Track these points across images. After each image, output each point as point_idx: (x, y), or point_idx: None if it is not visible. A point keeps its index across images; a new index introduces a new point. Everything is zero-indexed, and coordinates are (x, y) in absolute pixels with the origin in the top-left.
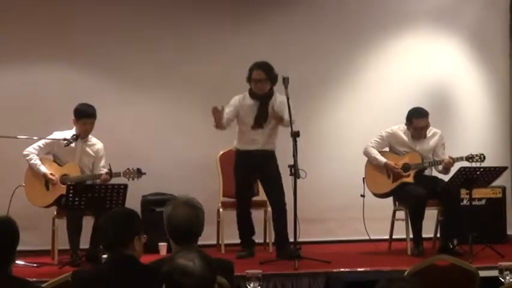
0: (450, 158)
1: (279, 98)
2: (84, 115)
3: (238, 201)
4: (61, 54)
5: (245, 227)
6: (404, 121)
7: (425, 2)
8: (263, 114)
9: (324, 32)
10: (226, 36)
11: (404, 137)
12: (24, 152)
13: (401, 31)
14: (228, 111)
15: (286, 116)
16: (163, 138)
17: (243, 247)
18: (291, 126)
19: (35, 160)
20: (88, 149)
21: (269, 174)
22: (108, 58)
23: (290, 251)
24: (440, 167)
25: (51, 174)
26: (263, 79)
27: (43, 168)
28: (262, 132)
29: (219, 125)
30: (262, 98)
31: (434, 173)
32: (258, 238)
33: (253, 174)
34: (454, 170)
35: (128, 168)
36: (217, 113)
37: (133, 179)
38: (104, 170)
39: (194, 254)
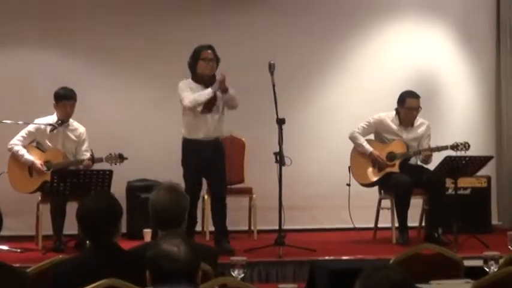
0: (429, 148)
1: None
2: (64, 97)
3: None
4: (47, 40)
5: (190, 218)
6: (393, 108)
7: None
8: (211, 98)
9: (311, 19)
10: (213, 22)
11: (392, 125)
12: (9, 146)
13: (389, 19)
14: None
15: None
16: (149, 125)
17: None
18: (277, 113)
19: (21, 151)
20: (70, 134)
21: (216, 165)
22: (95, 44)
23: (228, 245)
24: (421, 156)
25: (40, 164)
26: (213, 58)
27: (30, 157)
28: (211, 118)
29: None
30: (208, 82)
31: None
32: (242, 225)
33: (202, 165)
34: (440, 158)
35: (110, 153)
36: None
37: (115, 164)
38: (87, 155)
39: (179, 239)
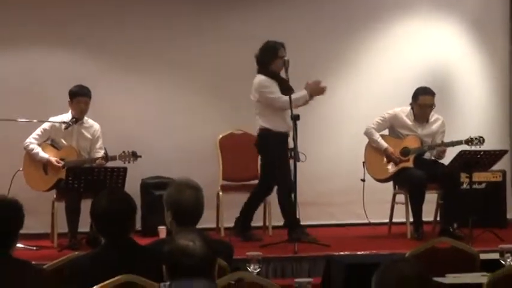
0: (443, 143)
1: None
2: (78, 94)
3: (271, 185)
4: (60, 38)
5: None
6: (406, 104)
7: None
8: (290, 90)
9: (325, 14)
10: (225, 18)
11: (407, 120)
12: (24, 144)
13: (403, 15)
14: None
15: None
16: (162, 122)
17: (245, 232)
18: (291, 109)
19: (36, 149)
20: (85, 132)
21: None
22: (107, 42)
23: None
24: (435, 152)
25: (56, 161)
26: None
27: (45, 155)
28: (287, 113)
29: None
30: (279, 79)
31: None
32: (257, 221)
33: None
34: (454, 153)
35: (124, 151)
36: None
37: (129, 162)
38: (101, 153)
39: (194, 234)
